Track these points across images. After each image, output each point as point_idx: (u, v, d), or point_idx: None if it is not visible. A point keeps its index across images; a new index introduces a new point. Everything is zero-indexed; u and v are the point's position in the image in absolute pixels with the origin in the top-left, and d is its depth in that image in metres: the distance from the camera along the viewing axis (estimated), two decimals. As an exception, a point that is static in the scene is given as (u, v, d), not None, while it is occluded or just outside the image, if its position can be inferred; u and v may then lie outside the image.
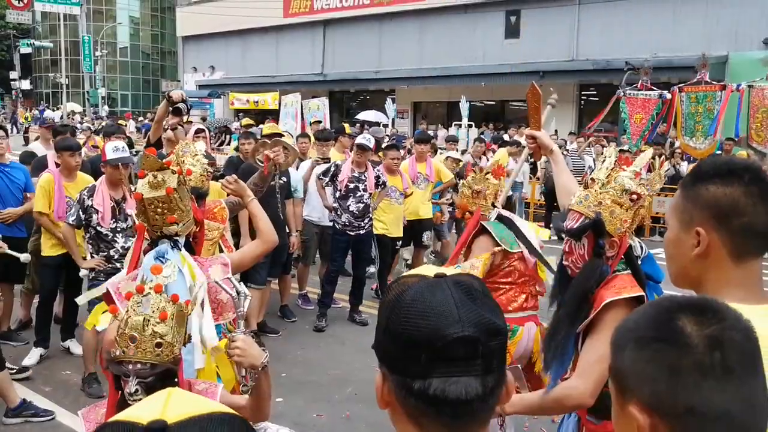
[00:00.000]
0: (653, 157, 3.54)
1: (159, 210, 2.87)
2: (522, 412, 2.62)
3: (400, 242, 7.98)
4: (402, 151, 8.89)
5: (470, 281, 1.06)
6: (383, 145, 8.76)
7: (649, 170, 3.26)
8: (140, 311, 2.10)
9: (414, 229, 8.21)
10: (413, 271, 1.11)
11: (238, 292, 2.36)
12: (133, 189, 5.04)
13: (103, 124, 22.11)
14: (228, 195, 3.90)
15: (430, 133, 15.71)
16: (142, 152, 6.79)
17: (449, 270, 1.10)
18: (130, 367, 2.06)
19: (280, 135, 7.42)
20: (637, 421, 0.99)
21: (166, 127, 6.33)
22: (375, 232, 7.49)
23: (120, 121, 21.52)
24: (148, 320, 2.08)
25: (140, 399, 2.00)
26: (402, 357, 1.01)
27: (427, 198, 8.30)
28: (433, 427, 1.02)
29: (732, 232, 1.49)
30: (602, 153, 2.94)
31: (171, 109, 5.75)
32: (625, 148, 11.48)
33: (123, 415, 0.79)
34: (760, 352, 1.00)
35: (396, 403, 1.04)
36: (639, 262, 2.58)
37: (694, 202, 1.53)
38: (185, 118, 6.99)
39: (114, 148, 5.12)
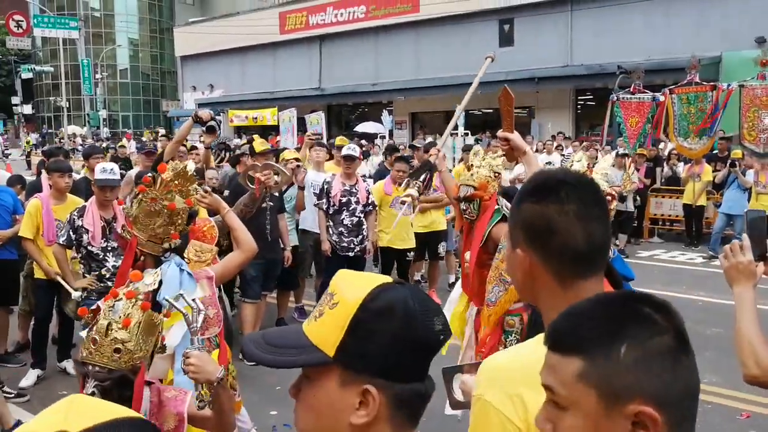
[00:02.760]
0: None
1: (179, 221, 3.01)
2: None
3: (412, 253, 7.86)
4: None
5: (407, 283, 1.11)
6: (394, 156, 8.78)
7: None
8: (109, 316, 2.14)
9: (430, 241, 8.16)
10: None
11: (191, 308, 2.35)
12: (123, 209, 5.08)
13: (104, 145, 22.27)
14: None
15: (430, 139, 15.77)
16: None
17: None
18: (89, 368, 2.11)
19: (273, 151, 7.42)
20: (650, 420, 0.92)
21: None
22: (380, 244, 7.46)
23: (123, 142, 21.63)
24: (112, 325, 2.11)
25: None
26: (410, 363, 1.02)
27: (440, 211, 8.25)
28: (407, 428, 1.04)
29: (547, 251, 1.36)
30: (597, 158, 2.99)
31: (205, 128, 5.72)
32: (622, 151, 11.52)
33: (24, 429, 0.77)
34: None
35: (381, 417, 1.01)
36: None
37: (514, 220, 1.44)
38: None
39: (102, 170, 5.09)
